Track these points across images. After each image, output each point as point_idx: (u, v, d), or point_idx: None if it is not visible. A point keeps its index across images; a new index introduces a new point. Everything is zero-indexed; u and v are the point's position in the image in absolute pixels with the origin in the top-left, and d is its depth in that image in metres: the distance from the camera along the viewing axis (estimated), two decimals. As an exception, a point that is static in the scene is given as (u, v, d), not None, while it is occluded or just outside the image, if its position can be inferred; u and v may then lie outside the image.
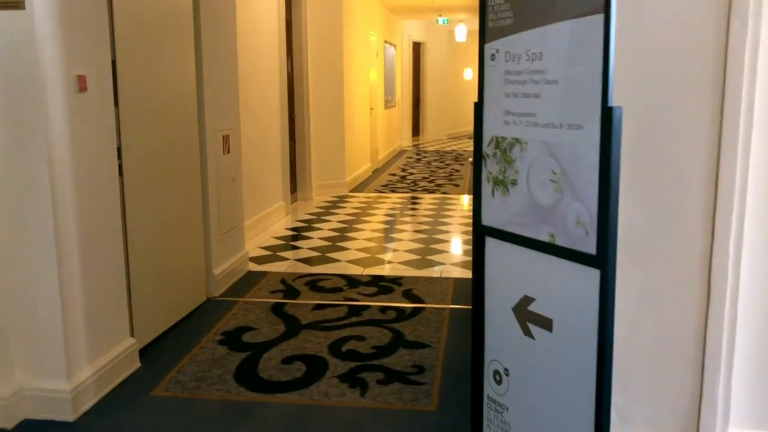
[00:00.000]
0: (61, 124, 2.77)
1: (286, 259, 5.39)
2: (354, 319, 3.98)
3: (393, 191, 8.90)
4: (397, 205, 7.81)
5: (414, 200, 8.19)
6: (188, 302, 4.05)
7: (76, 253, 2.87)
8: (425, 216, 7.16)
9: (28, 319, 2.81)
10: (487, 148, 2.15)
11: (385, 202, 8.03)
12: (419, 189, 9.05)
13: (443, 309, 4.15)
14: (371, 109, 10.75)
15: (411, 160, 12.73)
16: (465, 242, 5.96)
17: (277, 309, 4.16)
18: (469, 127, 19.67)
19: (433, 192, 8.80)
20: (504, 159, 2.09)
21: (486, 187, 2.17)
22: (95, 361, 3.01)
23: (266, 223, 6.46)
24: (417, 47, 16.88)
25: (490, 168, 2.14)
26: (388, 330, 3.80)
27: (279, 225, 6.71)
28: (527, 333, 2.09)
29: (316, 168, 8.31)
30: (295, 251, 5.64)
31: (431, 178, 10.17)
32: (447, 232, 6.37)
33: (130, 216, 3.33)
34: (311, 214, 7.28)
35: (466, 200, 8.16)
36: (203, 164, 4.23)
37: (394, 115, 13.97)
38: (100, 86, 3.03)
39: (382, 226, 6.67)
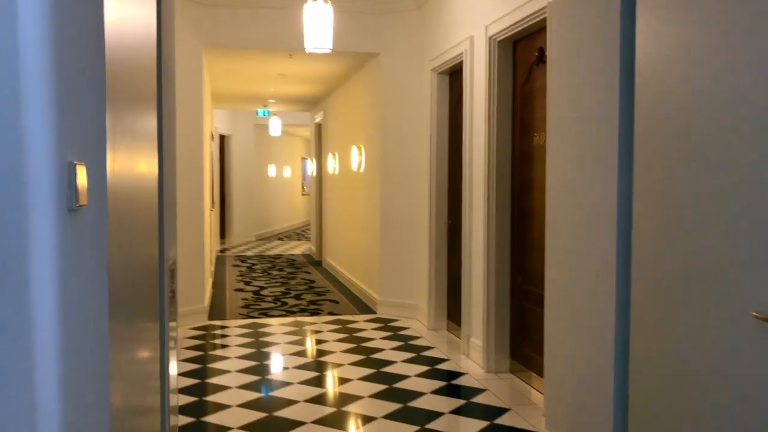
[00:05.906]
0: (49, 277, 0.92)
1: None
2: None
3: (265, 315, 7.07)
4: (295, 336, 6.05)
5: (308, 327, 6.48)
6: None
7: None
8: (357, 359, 5.53)
9: None
10: None
11: (274, 333, 6.20)
12: (296, 310, 7.32)
13: None
14: (210, 210, 8.89)
15: (241, 268, 10.85)
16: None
17: None
18: (279, 226, 18.17)
19: (317, 314, 7.14)
20: None
21: None
22: None
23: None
24: (222, 140, 15.21)
25: None
26: None
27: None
28: None
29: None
30: (222, 434, 3.68)
31: (292, 292, 8.47)
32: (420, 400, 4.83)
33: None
34: (188, 361, 5.24)
35: (369, 325, 6.66)
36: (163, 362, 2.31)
37: (212, 216, 12.05)
38: (97, 196, 1.21)
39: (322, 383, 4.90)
